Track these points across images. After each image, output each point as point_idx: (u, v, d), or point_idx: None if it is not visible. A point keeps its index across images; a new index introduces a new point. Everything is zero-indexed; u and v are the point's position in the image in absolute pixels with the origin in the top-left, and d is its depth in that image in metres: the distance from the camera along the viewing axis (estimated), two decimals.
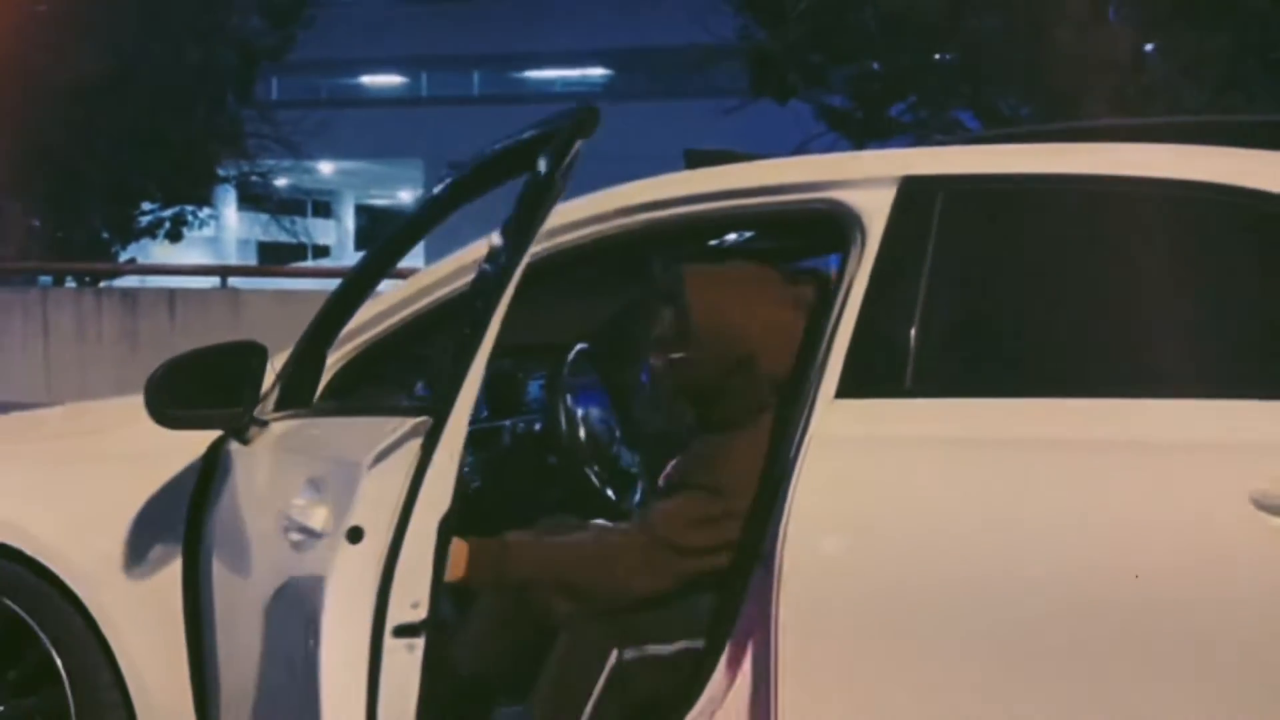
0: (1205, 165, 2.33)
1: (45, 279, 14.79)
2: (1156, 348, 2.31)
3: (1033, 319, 2.41)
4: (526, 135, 2.39)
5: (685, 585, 2.48)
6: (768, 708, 2.27)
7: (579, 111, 2.26)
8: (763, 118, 13.39)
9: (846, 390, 2.32)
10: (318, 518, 2.24)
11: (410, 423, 2.18)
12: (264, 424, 2.68)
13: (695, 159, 2.80)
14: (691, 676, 2.41)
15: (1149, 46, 11.37)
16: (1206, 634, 2.09)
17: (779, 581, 2.24)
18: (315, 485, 2.32)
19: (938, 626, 2.21)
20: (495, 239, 2.30)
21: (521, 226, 2.24)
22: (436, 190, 2.72)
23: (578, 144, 2.23)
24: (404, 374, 3.14)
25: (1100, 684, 2.14)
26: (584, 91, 37.64)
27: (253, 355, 2.65)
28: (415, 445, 2.16)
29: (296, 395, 2.70)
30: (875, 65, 12.78)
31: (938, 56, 12.60)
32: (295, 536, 2.32)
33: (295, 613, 2.30)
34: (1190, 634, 2.10)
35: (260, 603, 2.49)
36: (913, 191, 2.40)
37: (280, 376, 2.72)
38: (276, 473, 2.55)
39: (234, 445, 2.76)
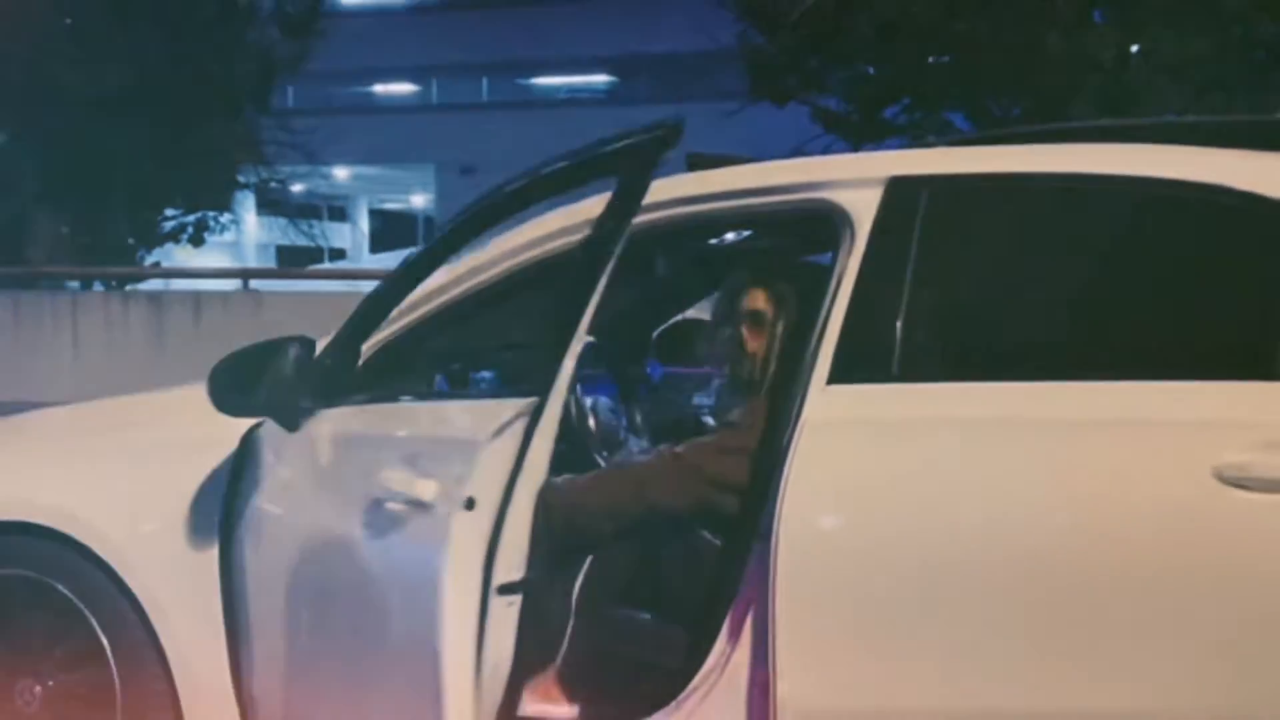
0: (1167, 162, 2.39)
1: (74, 283, 14.83)
2: (1125, 333, 2.37)
3: (1010, 308, 2.47)
4: (610, 145, 2.52)
5: (707, 514, 2.63)
6: (766, 674, 2.34)
7: (666, 125, 2.44)
8: (762, 120, 13.38)
9: (838, 376, 2.40)
10: (427, 490, 2.37)
11: (521, 403, 2.36)
12: (311, 413, 2.74)
13: (696, 162, 2.87)
14: (693, 645, 2.49)
15: (1134, 48, 11.35)
16: (1172, 596, 2.16)
17: (776, 555, 2.31)
18: (416, 462, 2.43)
19: (923, 593, 2.28)
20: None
21: (611, 227, 2.42)
22: (496, 193, 2.76)
23: (665, 153, 2.41)
24: (422, 367, 3.21)
25: (1073, 643, 2.21)
26: (589, 97, 37.57)
27: (303, 349, 2.72)
28: (521, 424, 2.34)
29: (334, 387, 2.76)
30: (870, 69, 12.74)
31: (931, 60, 12.56)
32: (396, 507, 2.43)
33: (387, 574, 2.44)
34: (1157, 596, 2.16)
35: (329, 570, 2.61)
36: (898, 191, 2.47)
37: (316, 369, 2.78)
38: (354, 454, 2.65)
39: (273, 433, 2.82)
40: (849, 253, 2.47)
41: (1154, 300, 2.37)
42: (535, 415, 2.36)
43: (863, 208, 2.49)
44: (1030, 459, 2.27)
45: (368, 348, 2.84)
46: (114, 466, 3.04)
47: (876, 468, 2.35)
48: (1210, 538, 2.15)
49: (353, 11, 32.28)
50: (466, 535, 2.32)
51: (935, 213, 2.45)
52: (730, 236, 3.26)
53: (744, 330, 2.80)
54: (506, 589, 2.38)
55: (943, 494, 2.30)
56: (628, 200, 2.45)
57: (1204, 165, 2.37)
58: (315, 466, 2.74)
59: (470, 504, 2.33)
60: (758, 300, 2.80)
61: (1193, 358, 2.30)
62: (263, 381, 2.68)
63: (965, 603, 2.26)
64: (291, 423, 2.74)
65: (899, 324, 2.40)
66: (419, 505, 2.40)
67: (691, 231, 2.96)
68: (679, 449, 2.76)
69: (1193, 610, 2.16)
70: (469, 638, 2.31)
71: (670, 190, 2.70)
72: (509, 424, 2.35)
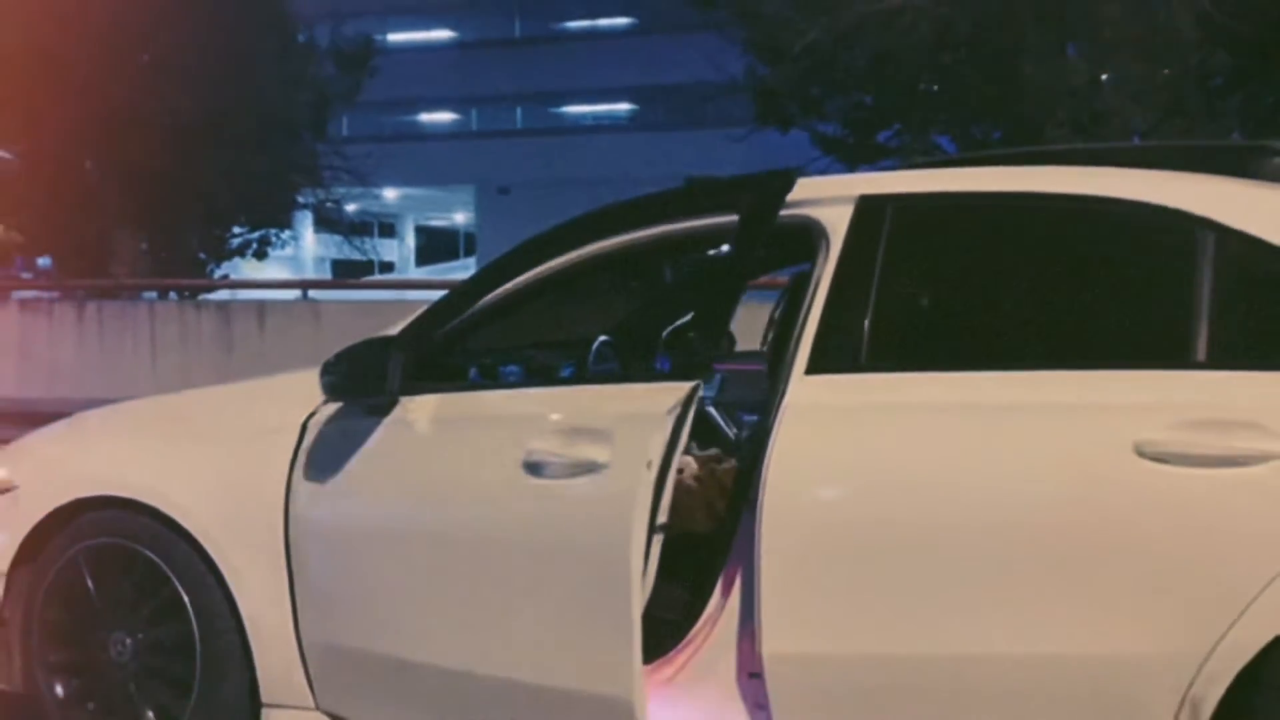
0: (1087, 182, 2.50)
1: (151, 294, 14.96)
2: (1060, 328, 2.46)
3: (960, 307, 2.56)
4: (732, 184, 2.74)
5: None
6: (753, 619, 2.46)
7: (785, 171, 2.67)
8: (768, 144, 13.42)
9: (815, 368, 2.50)
10: (602, 453, 2.51)
11: (689, 386, 2.53)
12: (396, 400, 2.84)
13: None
14: (693, 598, 2.60)
15: (1103, 77, 11.34)
16: (1099, 553, 2.26)
17: (761, 519, 2.42)
18: (580, 433, 2.57)
19: (883, 548, 2.37)
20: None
21: (743, 251, 2.67)
22: (603, 212, 2.86)
23: (784, 196, 2.62)
24: (460, 361, 3.28)
25: (1015, 594, 2.30)
26: (612, 124, 37.59)
27: (395, 349, 2.81)
28: (682, 403, 2.51)
29: (413, 377, 2.86)
30: (865, 97, 12.76)
31: (920, 88, 12.56)
32: (559, 468, 2.56)
33: (549, 522, 2.58)
34: (1086, 553, 2.26)
35: (448, 524, 2.72)
36: (867, 208, 2.58)
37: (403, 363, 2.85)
38: (489, 430, 2.74)
39: (342, 418, 2.90)
40: (825, 261, 2.58)
41: (1086, 299, 2.46)
42: (691, 395, 2.52)
43: (837, 222, 2.59)
44: (976, 436, 2.36)
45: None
46: (194, 449, 3.12)
47: (845, 443, 2.44)
48: (1130, 504, 2.24)
49: (400, 48, 32.43)
50: (647, 488, 2.47)
51: (898, 226, 2.55)
52: (725, 248, 3.36)
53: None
54: (659, 529, 2.56)
55: (900, 464, 2.40)
56: (753, 231, 2.63)
57: (1129, 184, 2.46)
58: (427, 442, 2.80)
59: (650, 464, 2.47)
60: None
61: (1118, 349, 2.38)
62: (363, 375, 2.79)
63: (921, 560, 2.35)
64: (385, 408, 2.83)
65: (866, 322, 2.50)
66: (590, 466, 2.51)
67: (691, 245, 3.05)
68: (722, 468, 2.86)
69: (1116, 565, 2.24)
70: (640, 568, 2.46)
71: None
72: (679, 403, 2.51)
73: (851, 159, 12.63)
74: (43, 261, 23.07)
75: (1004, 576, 2.31)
